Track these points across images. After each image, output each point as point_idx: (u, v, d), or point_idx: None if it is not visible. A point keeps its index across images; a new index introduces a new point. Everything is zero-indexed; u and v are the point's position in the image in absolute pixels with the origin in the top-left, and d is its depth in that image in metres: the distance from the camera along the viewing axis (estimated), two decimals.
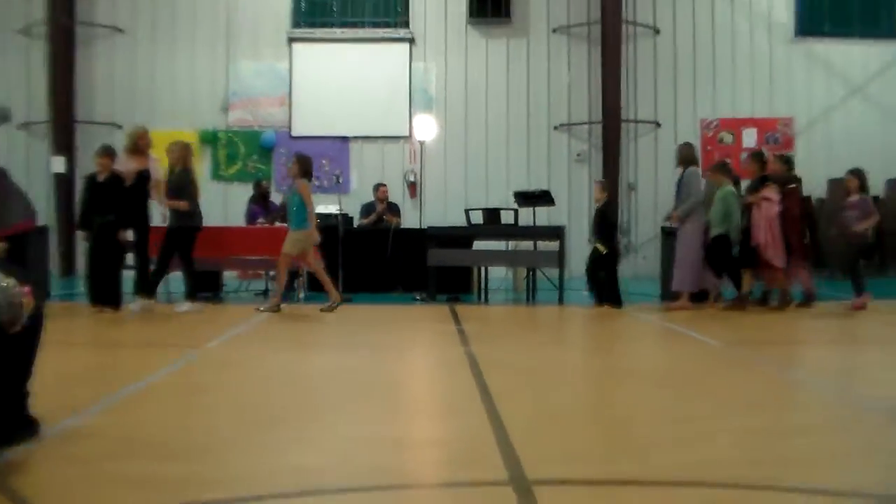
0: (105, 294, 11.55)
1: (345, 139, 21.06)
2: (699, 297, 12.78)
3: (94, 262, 11.67)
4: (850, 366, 7.91)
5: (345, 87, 21.16)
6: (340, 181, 16.54)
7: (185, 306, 11.67)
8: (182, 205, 11.82)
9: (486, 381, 6.42)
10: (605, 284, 12.97)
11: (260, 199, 15.67)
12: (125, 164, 11.90)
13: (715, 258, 12.43)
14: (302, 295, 13.58)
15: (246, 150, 21.21)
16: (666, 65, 22.07)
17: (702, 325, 10.59)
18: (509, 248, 15.06)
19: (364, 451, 4.47)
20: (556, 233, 14.00)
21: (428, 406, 6.04)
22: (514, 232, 14.46)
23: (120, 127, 20.83)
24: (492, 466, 4.06)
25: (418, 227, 16.22)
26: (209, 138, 21.08)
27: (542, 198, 15.34)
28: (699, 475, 3.97)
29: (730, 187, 12.57)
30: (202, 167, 18.56)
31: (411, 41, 21.67)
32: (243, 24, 21.52)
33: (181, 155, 12.08)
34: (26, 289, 2.99)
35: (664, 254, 14.23)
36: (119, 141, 19.35)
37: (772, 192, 12.42)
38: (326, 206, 15.67)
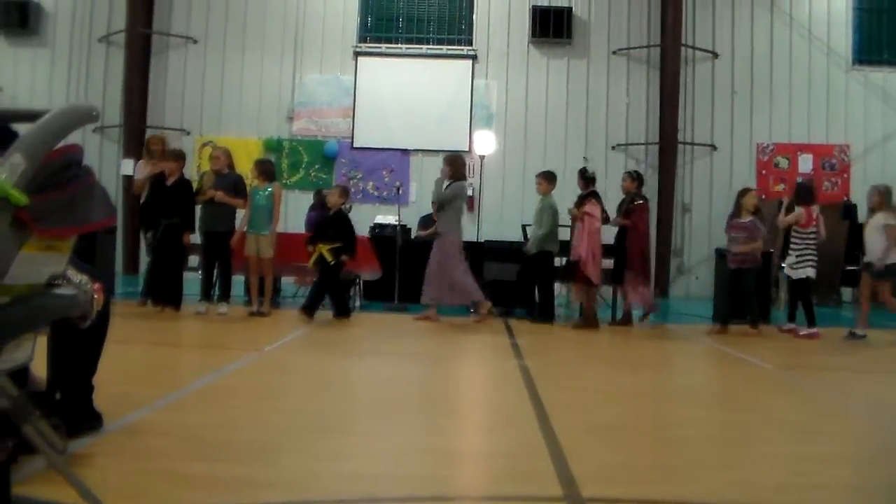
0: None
1: (405, 151, 21.13)
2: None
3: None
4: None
5: (407, 101, 21.25)
6: (400, 192, 16.54)
7: (224, 308, 11.72)
8: (241, 204, 11.90)
9: (540, 395, 6.36)
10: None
11: (319, 208, 15.68)
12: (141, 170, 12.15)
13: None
14: (358, 303, 13.58)
15: (309, 159, 21.34)
16: (723, 88, 21.90)
17: (752, 348, 10.43)
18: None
19: (418, 461, 4.41)
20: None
21: (481, 418, 5.96)
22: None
23: (188, 133, 21.12)
24: (546, 481, 3.98)
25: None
26: (274, 146, 21.24)
27: None
28: (752, 499, 3.87)
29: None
30: None
31: (474, 58, 21.70)
32: (311, 36, 21.72)
33: (230, 159, 12.17)
34: (97, 285, 2.99)
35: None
36: (187, 146, 19.69)
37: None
38: (385, 216, 15.69)
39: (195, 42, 21.70)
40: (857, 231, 19.50)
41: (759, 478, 4.27)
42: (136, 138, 20.77)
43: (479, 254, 14.35)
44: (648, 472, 4.37)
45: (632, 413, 6.21)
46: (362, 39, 21.95)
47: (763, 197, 21.20)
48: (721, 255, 13.93)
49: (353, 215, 12.68)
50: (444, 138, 21.10)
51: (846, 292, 20.65)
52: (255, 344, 8.97)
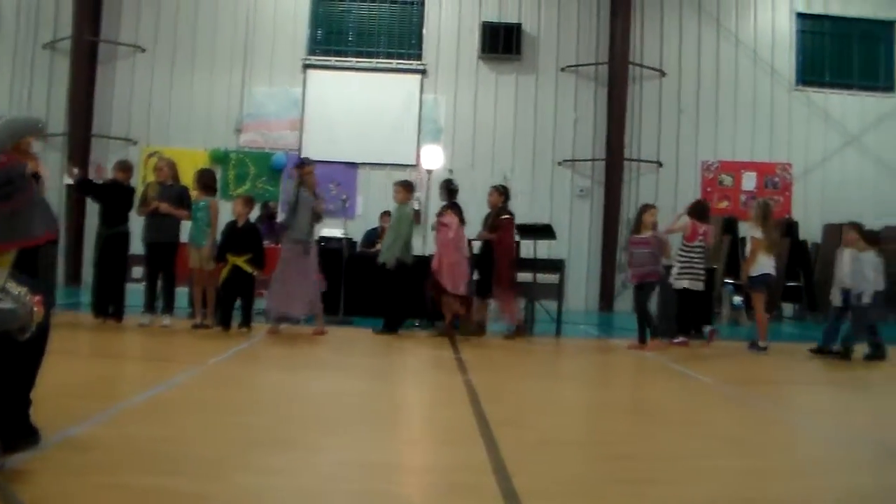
0: (109, 306, 11.55)
1: (353, 165, 21.08)
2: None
3: (100, 274, 11.65)
4: (838, 406, 7.83)
5: (356, 114, 21.23)
6: (347, 206, 16.48)
7: (167, 320, 11.63)
8: (185, 216, 11.82)
9: (484, 409, 6.36)
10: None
11: (266, 220, 15.62)
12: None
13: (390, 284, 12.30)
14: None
15: (256, 171, 21.23)
16: (670, 106, 22.15)
17: (696, 362, 10.53)
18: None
19: (361, 476, 4.40)
20: (557, 266, 13.96)
21: (425, 432, 5.96)
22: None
23: (135, 143, 20.92)
24: (488, 496, 3.99)
25: (422, 254, 16.15)
26: (221, 158, 21.09)
27: (543, 231, 15.26)
28: None
29: (406, 208, 12.47)
30: None
31: (423, 73, 21.75)
32: (260, 48, 21.64)
33: (174, 171, 12.07)
34: (37, 298, 2.95)
35: (661, 290, 14.15)
36: (133, 156, 19.51)
37: (451, 219, 12.33)
38: (332, 229, 15.64)
39: (143, 51, 21.50)
40: (798, 248, 19.86)
41: (698, 492, 4.32)
42: (80, 147, 20.56)
43: (425, 268, 14.30)
44: (590, 486, 4.40)
45: (574, 427, 6.26)
46: (312, 52, 21.90)
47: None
48: (667, 269, 14.08)
49: None
50: (392, 152, 21.12)
51: (787, 308, 20.99)
52: (200, 357, 8.89)
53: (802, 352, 11.84)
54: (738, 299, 15.79)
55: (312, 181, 12.09)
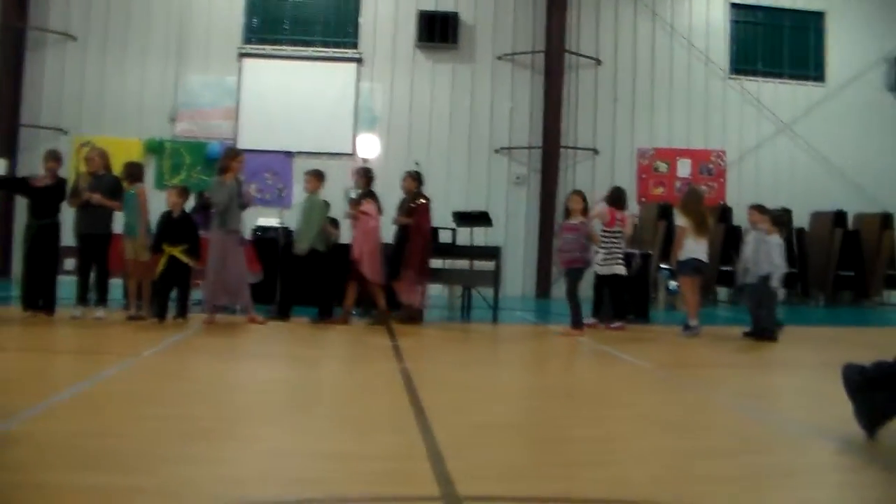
0: (39, 299, 11.36)
1: (289, 154, 20.92)
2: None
3: (30, 266, 11.44)
4: (770, 388, 7.93)
5: (292, 103, 21.08)
6: (283, 195, 16.38)
7: (101, 312, 11.46)
8: (118, 206, 11.65)
9: (420, 396, 6.36)
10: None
11: (202, 210, 15.40)
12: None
13: (306, 273, 12.30)
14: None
15: (191, 161, 20.99)
16: (606, 94, 22.31)
17: (631, 347, 10.62)
18: (446, 267, 14.98)
19: (295, 465, 4.36)
20: (493, 253, 13.99)
21: (360, 420, 5.91)
22: (452, 251, 14.40)
23: (66, 132, 20.57)
24: (423, 482, 3.98)
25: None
26: (155, 147, 20.84)
27: (480, 218, 15.33)
28: (627, 494, 3.93)
29: (318, 197, 12.45)
30: (147, 176, 18.22)
31: (359, 61, 21.66)
32: (195, 37, 21.38)
33: (106, 161, 11.88)
34: None
35: (596, 276, 14.27)
36: (64, 145, 19.19)
37: (370, 207, 12.38)
38: (268, 218, 15.52)
39: (74, 39, 21.13)
40: (732, 233, 20.10)
41: (635, 473, 4.34)
42: (8, 137, 20.17)
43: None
44: (526, 470, 4.40)
45: (510, 412, 6.26)
46: (247, 41, 21.69)
47: (643, 200, 21.71)
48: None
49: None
50: (328, 141, 21.01)
51: (721, 291, 21.26)
52: (134, 348, 8.76)
53: (735, 335, 12.02)
54: (673, 284, 15.97)
55: (238, 170, 12.05)
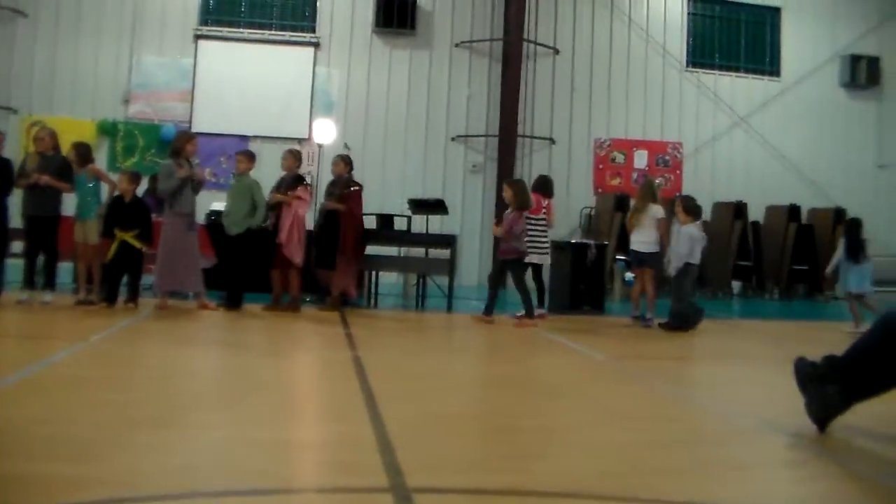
0: None
1: (244, 137, 20.70)
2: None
3: None
4: (722, 380, 7.99)
5: (248, 87, 20.90)
6: None
7: (49, 296, 11.31)
8: (67, 188, 11.50)
9: (372, 385, 6.32)
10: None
11: (154, 194, 15.26)
12: None
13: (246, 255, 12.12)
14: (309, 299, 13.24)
15: (144, 143, 20.72)
16: (563, 84, 22.34)
17: (586, 338, 10.66)
18: (401, 255, 14.97)
19: (244, 454, 4.31)
20: (448, 241, 13.98)
21: (311, 409, 5.90)
22: (407, 238, 14.39)
23: (15, 111, 20.25)
24: (372, 472, 3.94)
25: (312, 229, 16.02)
26: (108, 129, 20.56)
27: (436, 206, 15.33)
28: (578, 486, 3.92)
29: (250, 178, 12.26)
30: (100, 158, 18.01)
31: (316, 45, 21.51)
32: (150, 17, 21.08)
33: (56, 141, 11.73)
34: None
35: (554, 267, 14.31)
36: (13, 125, 18.91)
37: (305, 192, 12.38)
38: (222, 203, 15.35)
39: (25, 15, 20.75)
40: None
41: (586, 465, 4.34)
42: None
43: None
44: (477, 461, 4.39)
45: (461, 402, 6.26)
46: (203, 22, 21.44)
47: (599, 191, 21.81)
48: (557, 247, 14.27)
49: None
50: (284, 125, 20.85)
51: (737, 285, 21.42)
52: (82, 334, 8.66)
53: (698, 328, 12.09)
54: (629, 275, 16.04)
55: (192, 153, 11.97)
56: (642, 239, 12.35)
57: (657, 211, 12.41)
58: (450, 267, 13.68)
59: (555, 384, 7.38)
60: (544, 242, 12.98)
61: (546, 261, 13.17)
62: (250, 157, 12.55)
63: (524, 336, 10.95)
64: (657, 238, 12.31)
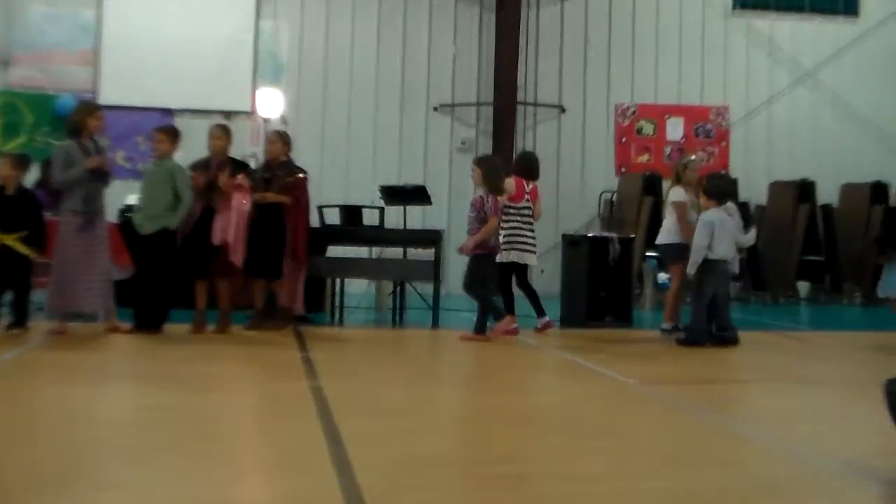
0: None
1: (168, 112, 20.62)
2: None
3: None
4: (789, 411, 7.92)
5: (171, 47, 20.81)
6: None
7: None
8: None
9: (337, 425, 6.32)
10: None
11: (47, 185, 15.14)
12: None
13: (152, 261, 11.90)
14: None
15: (33, 119, 20.59)
16: (574, 37, 22.36)
17: (610, 357, 10.61)
18: (373, 257, 14.92)
19: None
20: (432, 238, 13.93)
21: (258, 459, 5.84)
22: (379, 236, 14.34)
23: None
24: None
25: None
26: None
27: (415, 194, 15.28)
28: None
29: (172, 161, 12.13)
30: None
31: None
32: None
33: None
34: None
35: (567, 267, 14.28)
36: None
37: (244, 180, 12.14)
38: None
39: None
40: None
41: None
42: None
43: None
44: None
45: (452, 444, 6.26)
46: None
47: (623, 170, 21.77)
48: (571, 242, 14.24)
49: None
50: (220, 96, 20.78)
51: (804, 287, 21.35)
52: None
53: (743, 341, 12.06)
54: (663, 276, 16.05)
55: (97, 130, 11.90)
56: (664, 228, 12.53)
57: (673, 194, 12.56)
58: (434, 271, 13.61)
59: (572, 418, 7.33)
60: (530, 237, 12.96)
61: (534, 260, 13.16)
62: (173, 135, 12.38)
63: (530, 358, 10.92)
64: (676, 226, 12.34)
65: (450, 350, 11.88)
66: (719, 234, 11.72)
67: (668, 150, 21.96)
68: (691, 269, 11.76)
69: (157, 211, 11.86)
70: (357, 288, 16.26)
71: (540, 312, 12.92)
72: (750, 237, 12.97)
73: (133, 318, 11.77)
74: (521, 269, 13.07)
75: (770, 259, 20.56)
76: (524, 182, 12.96)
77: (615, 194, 21.47)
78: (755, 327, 12.57)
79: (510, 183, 12.72)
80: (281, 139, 12.80)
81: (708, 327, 11.77)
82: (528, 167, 13.30)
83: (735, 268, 12.42)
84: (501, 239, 12.68)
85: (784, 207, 21.27)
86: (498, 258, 12.61)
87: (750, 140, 22.60)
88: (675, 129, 22.37)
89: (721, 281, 11.89)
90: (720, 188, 12.16)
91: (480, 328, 11.96)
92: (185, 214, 11.92)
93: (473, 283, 12.11)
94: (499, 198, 12.31)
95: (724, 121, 22.60)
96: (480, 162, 12.79)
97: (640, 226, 19.55)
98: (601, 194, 21.56)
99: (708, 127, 22.51)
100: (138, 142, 19.87)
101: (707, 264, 11.69)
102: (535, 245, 13.06)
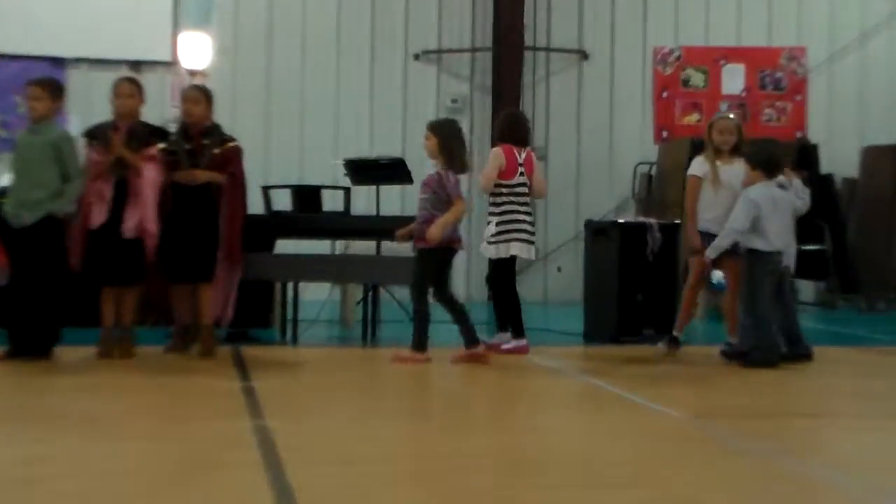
0: None
1: (59, 62, 20.66)
2: None
3: None
4: (885, 457, 7.94)
5: None
6: None
7: None
8: None
9: (288, 477, 6.34)
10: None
11: None
12: None
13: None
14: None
15: None
16: None
17: (648, 383, 10.63)
18: (336, 253, 14.94)
19: None
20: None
21: None
22: (344, 226, 14.34)
23: None
24: None
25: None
26: None
27: (391, 170, 15.32)
28: None
29: (57, 127, 12.09)
30: None
31: None
32: None
33: None
34: None
35: (591, 265, 14.29)
36: None
37: (154, 149, 11.99)
38: None
39: None
40: (819, 188, 20.22)
41: None
42: None
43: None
44: None
45: (434, 498, 6.23)
46: None
47: (665, 134, 21.70)
48: (596, 230, 14.24)
49: None
50: (129, 43, 20.81)
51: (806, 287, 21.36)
52: None
53: (822, 359, 12.07)
54: (718, 275, 16.03)
55: None
56: (707, 217, 12.49)
57: (693, 165, 12.72)
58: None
59: (595, 463, 7.34)
60: (529, 223, 13.03)
61: (532, 253, 13.31)
62: (54, 90, 12.20)
63: (541, 384, 10.96)
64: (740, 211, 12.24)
65: (437, 375, 11.90)
66: (770, 216, 11.67)
67: (723, 106, 21.87)
68: (711, 253, 11.77)
69: (37, 195, 11.73)
70: (316, 295, 16.28)
71: (502, 328, 13.19)
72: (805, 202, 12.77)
73: (8, 341, 11.75)
74: (506, 265, 13.09)
75: (865, 251, 20.50)
76: (515, 151, 12.89)
77: (654, 167, 21.45)
78: (842, 341, 12.59)
79: (497, 154, 12.78)
80: (205, 96, 12.62)
81: (777, 341, 11.74)
82: (516, 130, 13.25)
83: (790, 260, 12.22)
84: (494, 228, 12.76)
85: (882, 182, 21.19)
86: (491, 254, 12.70)
87: (835, 92, 22.62)
88: (733, 80, 22.24)
89: (777, 279, 11.87)
90: (770, 156, 12.06)
91: (419, 344, 11.95)
92: (76, 198, 11.80)
93: (420, 284, 12.08)
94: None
95: (801, 67, 22.49)
96: (435, 128, 12.46)
97: (684, 210, 19.53)
98: (636, 167, 21.59)
99: (778, 75, 22.39)
100: (17, 102, 19.87)
101: (756, 257, 11.66)
102: (534, 234, 13.23)
